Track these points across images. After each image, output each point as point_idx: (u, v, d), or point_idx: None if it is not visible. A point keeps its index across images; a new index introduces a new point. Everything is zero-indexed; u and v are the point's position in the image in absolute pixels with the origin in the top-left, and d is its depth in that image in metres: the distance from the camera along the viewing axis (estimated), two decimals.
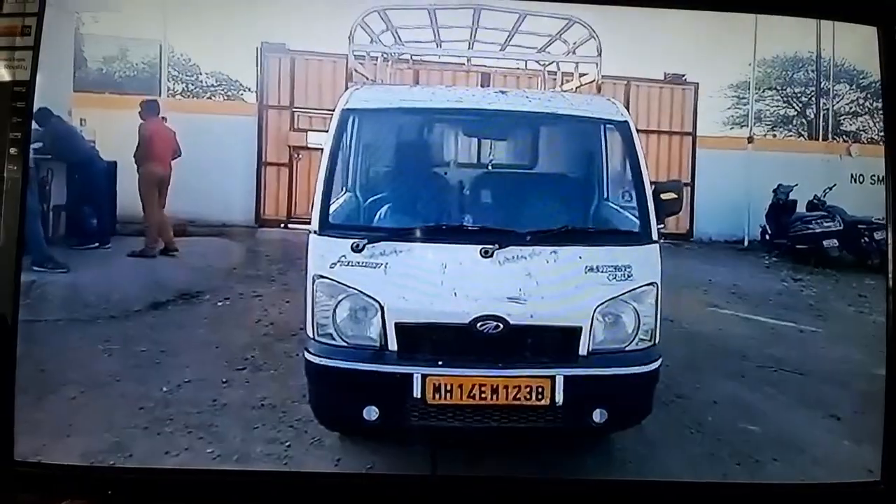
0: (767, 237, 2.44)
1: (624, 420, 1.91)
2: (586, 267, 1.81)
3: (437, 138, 2.22)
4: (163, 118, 2.21)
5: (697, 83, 2.68)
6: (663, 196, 1.94)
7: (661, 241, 1.94)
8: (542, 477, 1.91)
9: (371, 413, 1.77)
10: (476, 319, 1.76)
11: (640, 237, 1.89)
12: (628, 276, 1.82)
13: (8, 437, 1.80)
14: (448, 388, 1.76)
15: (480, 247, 1.79)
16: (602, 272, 1.81)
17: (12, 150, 1.82)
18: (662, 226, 1.95)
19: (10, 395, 1.80)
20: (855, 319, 2.24)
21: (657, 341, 1.85)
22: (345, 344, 1.80)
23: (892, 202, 2.01)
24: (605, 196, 2.18)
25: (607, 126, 2.12)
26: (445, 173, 2.17)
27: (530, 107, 2.10)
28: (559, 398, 1.76)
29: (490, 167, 2.26)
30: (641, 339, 1.83)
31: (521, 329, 1.77)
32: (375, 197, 2.08)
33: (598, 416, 1.79)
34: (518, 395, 1.77)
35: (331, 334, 1.81)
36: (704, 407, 2.12)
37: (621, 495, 1.91)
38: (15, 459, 1.80)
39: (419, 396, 1.75)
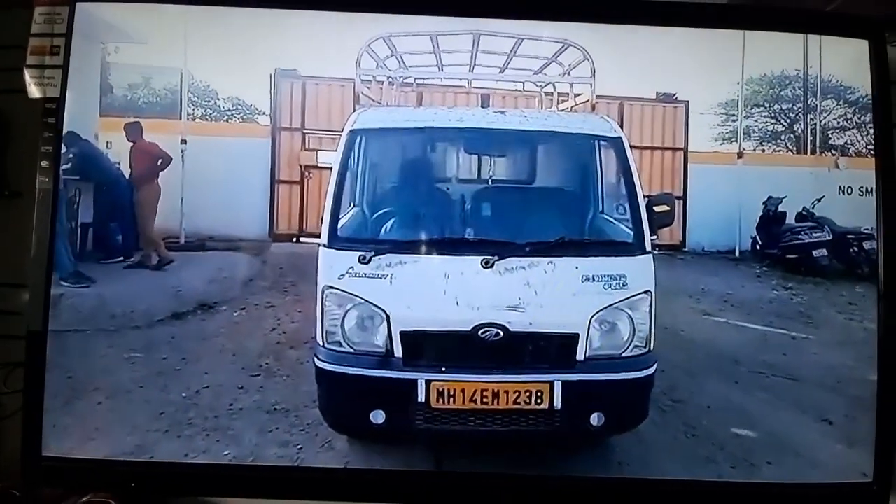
0: (758, 247, 2.51)
1: (621, 424, 1.98)
2: (583, 276, 1.90)
3: (439, 156, 2.33)
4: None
5: (688, 101, 2.81)
6: (656, 208, 2.04)
7: (655, 251, 2.02)
8: (545, 475, 1.98)
9: (378, 417, 1.87)
10: (477, 327, 1.85)
11: (634, 248, 1.99)
12: (623, 285, 1.91)
13: (36, 433, 1.93)
14: (451, 392, 1.85)
15: (481, 258, 1.89)
16: (598, 281, 1.90)
17: (44, 164, 1.96)
18: (656, 237, 2.04)
19: (39, 396, 1.94)
20: (845, 326, 2.29)
21: (652, 348, 1.93)
22: (352, 351, 1.90)
23: (881, 212, 2.10)
24: (601, 209, 2.27)
25: (601, 142, 2.23)
26: (447, 189, 2.28)
27: (528, 125, 2.21)
28: (557, 402, 1.85)
29: (490, 182, 2.37)
30: (636, 346, 1.92)
31: (521, 336, 1.86)
32: (381, 211, 2.18)
33: (595, 419, 1.88)
34: (518, 399, 1.86)
35: (339, 342, 1.90)
36: (699, 411, 2.18)
37: (624, 493, 2.00)
38: (42, 455, 1.93)
39: (423, 401, 1.84)
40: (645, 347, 1.93)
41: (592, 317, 1.88)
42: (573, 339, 1.88)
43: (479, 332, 1.85)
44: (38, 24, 2.02)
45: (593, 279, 1.90)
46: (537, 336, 1.87)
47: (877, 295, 2.11)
